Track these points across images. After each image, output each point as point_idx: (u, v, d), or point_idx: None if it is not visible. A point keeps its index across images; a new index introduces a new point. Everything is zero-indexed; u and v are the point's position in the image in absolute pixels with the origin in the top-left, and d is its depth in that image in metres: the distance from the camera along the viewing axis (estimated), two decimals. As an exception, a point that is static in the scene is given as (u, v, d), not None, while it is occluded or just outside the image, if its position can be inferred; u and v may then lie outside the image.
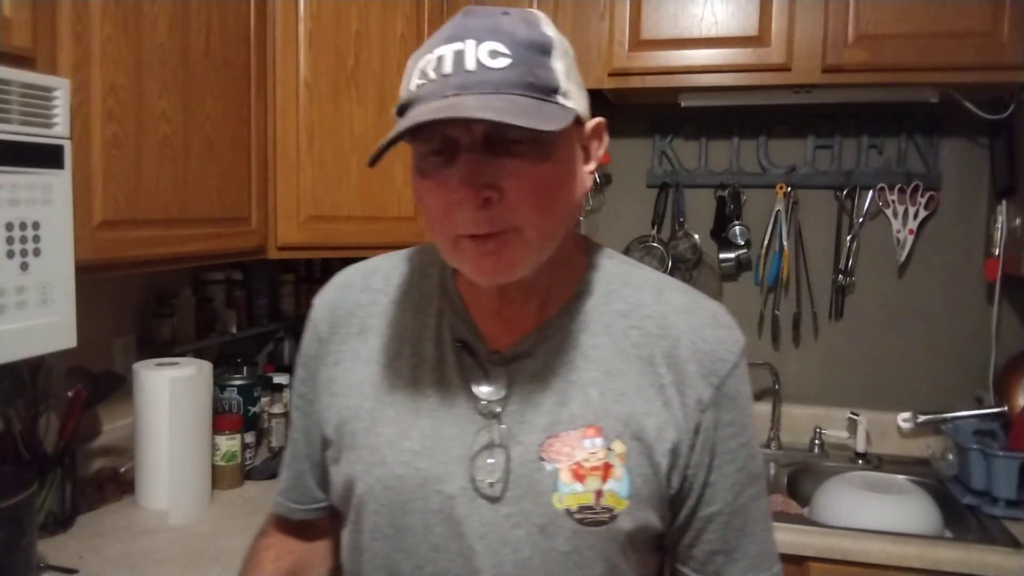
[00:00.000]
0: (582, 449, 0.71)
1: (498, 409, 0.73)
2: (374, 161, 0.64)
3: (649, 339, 0.74)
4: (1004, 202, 1.88)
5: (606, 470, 0.71)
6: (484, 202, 0.63)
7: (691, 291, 0.80)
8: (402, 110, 0.67)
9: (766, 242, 2.10)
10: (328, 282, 0.88)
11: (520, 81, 0.63)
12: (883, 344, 2.08)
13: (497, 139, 0.63)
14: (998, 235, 1.89)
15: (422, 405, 0.75)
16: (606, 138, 0.76)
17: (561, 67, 0.67)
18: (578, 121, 0.69)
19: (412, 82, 0.66)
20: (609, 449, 0.71)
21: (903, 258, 2.04)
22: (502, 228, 0.65)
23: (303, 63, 1.76)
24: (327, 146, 1.80)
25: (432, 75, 0.64)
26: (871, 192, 2.06)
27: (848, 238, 2.08)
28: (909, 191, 2.01)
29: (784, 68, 1.79)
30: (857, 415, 2.02)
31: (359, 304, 0.82)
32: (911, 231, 2.03)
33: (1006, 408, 1.83)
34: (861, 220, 2.07)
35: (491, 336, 0.76)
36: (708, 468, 0.73)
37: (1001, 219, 1.88)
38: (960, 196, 2.02)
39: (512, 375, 0.74)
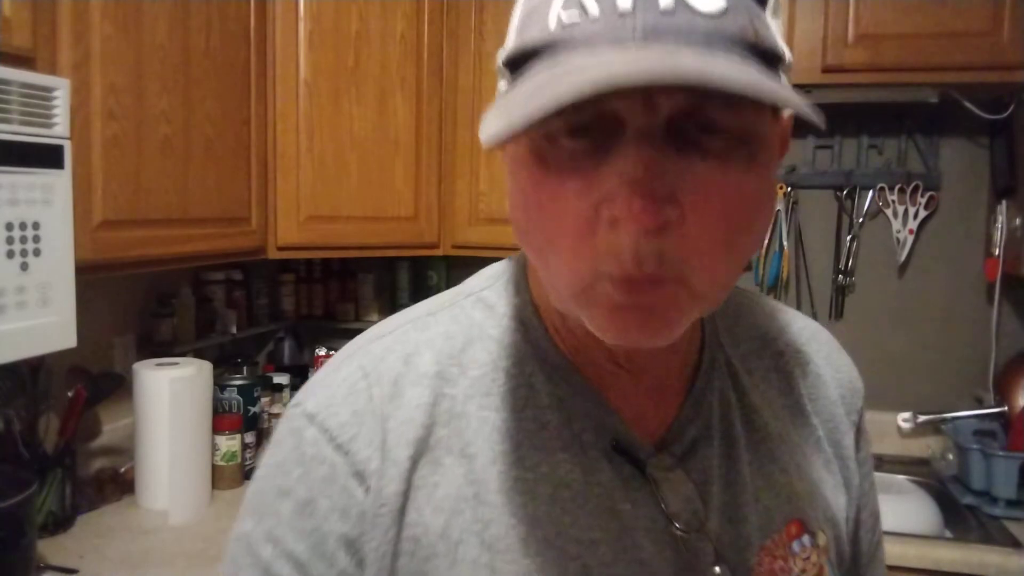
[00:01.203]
0: (794, 557, 0.54)
1: (701, 538, 0.51)
2: (497, 140, 0.39)
3: (792, 380, 0.59)
4: (1004, 202, 1.88)
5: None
6: (662, 225, 0.39)
7: (790, 308, 0.66)
8: (526, 58, 0.43)
9: (766, 242, 2.10)
10: (317, 382, 0.55)
11: (741, 36, 0.39)
12: (883, 344, 2.08)
13: (686, 127, 0.40)
14: (998, 235, 1.89)
15: (591, 560, 0.49)
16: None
17: (776, 27, 0.44)
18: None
19: (549, 17, 0.41)
20: (816, 546, 0.55)
21: (903, 258, 2.04)
22: (670, 274, 0.41)
23: (303, 63, 1.76)
24: (327, 146, 1.80)
25: (593, 9, 0.40)
26: (871, 192, 2.06)
27: (848, 238, 2.08)
28: (909, 191, 2.01)
29: (784, 67, 1.79)
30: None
31: (419, 408, 0.51)
32: (911, 231, 2.03)
33: (1006, 408, 1.83)
34: (861, 220, 2.07)
35: (636, 421, 0.52)
36: (856, 522, 0.62)
37: (1001, 219, 1.88)
38: (960, 196, 2.02)
39: (693, 475, 0.52)
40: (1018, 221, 1.81)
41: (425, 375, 0.53)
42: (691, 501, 0.51)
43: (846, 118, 2.06)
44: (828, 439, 0.59)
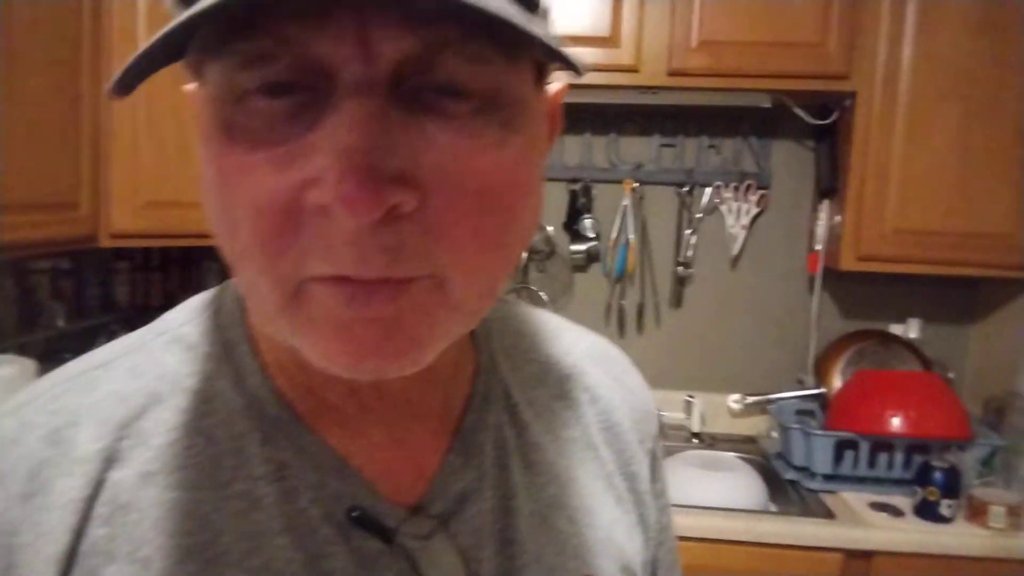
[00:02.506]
0: None
1: None
2: (124, 86, 0.31)
3: (579, 408, 0.51)
4: (826, 202, 2.06)
5: None
6: (388, 213, 0.30)
7: (576, 325, 0.58)
8: None
9: (614, 235, 2.19)
10: None
11: None
12: (717, 331, 2.23)
13: (421, 87, 0.32)
14: (820, 232, 2.06)
15: None
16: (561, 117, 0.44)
17: None
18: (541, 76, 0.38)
19: None
20: None
21: (736, 251, 2.19)
22: (412, 273, 0.32)
23: (141, 36, 1.64)
24: (168, 127, 1.69)
25: None
26: (709, 189, 2.19)
27: (688, 232, 2.20)
28: (743, 189, 2.16)
29: (633, 69, 1.87)
30: (693, 397, 2.16)
31: (67, 508, 0.38)
32: (744, 226, 2.17)
33: (824, 390, 2.02)
34: (700, 215, 2.20)
35: (386, 479, 0.42)
36: (655, 562, 0.56)
37: (823, 217, 2.06)
38: (788, 195, 2.18)
39: (459, 540, 0.42)
40: (837, 219, 1.99)
41: (82, 458, 0.38)
42: (456, 573, 0.41)
43: (689, 119, 2.17)
44: (621, 472, 0.51)
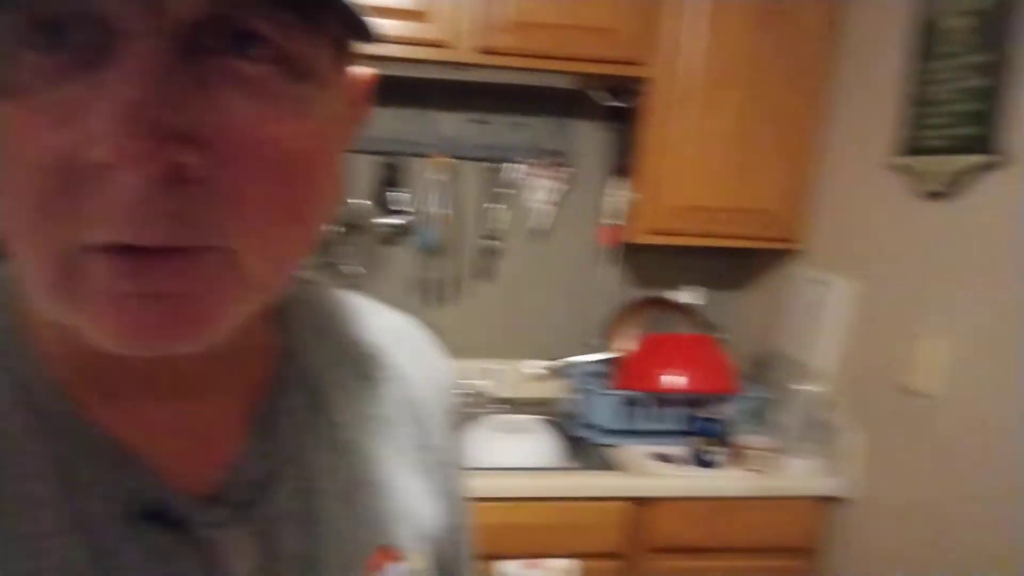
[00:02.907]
0: None
1: None
2: None
3: (379, 386, 0.53)
4: (619, 178, 2.21)
5: None
6: (174, 172, 0.29)
7: (382, 304, 0.59)
8: None
9: (426, 209, 2.23)
10: None
11: None
12: (523, 302, 2.34)
13: (214, 45, 0.31)
14: (614, 207, 2.22)
15: None
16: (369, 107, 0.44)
17: None
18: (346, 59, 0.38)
19: None
20: (412, 571, 0.49)
21: (541, 225, 2.31)
22: (198, 242, 0.31)
23: None
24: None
25: None
26: (518, 166, 2.28)
27: (498, 206, 2.29)
28: (549, 166, 2.27)
29: (445, 45, 1.91)
30: (498, 364, 2.26)
31: None
32: (548, 202, 2.29)
33: (616, 353, 2.19)
34: (508, 191, 2.29)
35: (178, 468, 0.40)
36: (458, 528, 0.58)
37: (617, 193, 2.21)
38: (588, 173, 2.32)
39: (259, 526, 0.42)
40: (630, 196, 2.14)
41: None
42: (256, 560, 0.41)
43: (499, 96, 2.25)
44: (421, 445, 0.53)
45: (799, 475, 1.85)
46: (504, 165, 2.28)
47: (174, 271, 0.30)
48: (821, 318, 1.96)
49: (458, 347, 2.27)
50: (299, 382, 0.47)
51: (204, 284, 0.31)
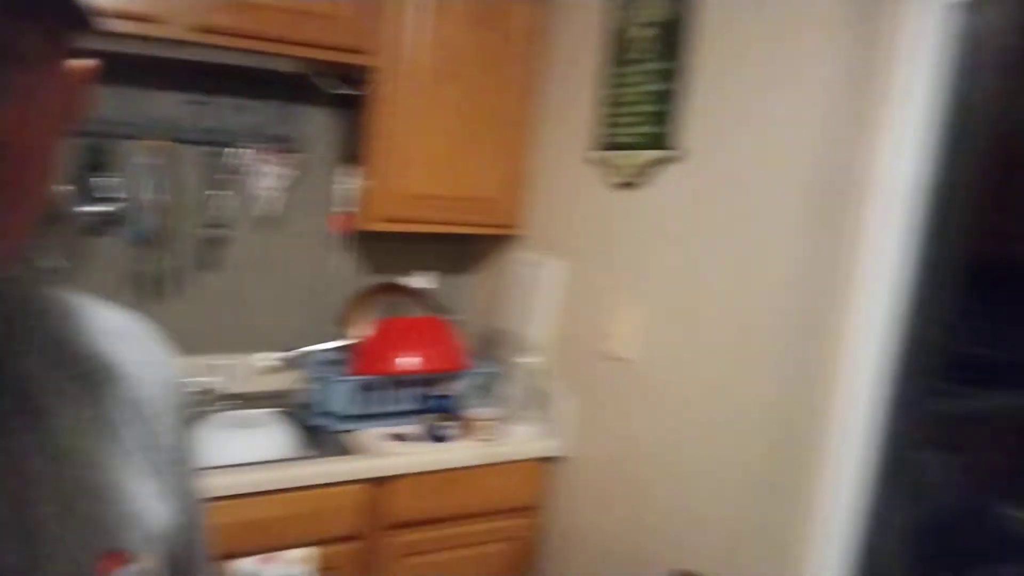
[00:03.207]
0: None
1: None
2: None
3: (100, 388, 0.51)
4: (351, 167, 2.23)
5: None
6: None
7: (100, 301, 0.57)
8: None
9: (139, 196, 2.08)
10: None
11: None
12: (251, 292, 2.28)
13: None
14: (345, 194, 2.24)
15: None
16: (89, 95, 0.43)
17: None
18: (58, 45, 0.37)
19: None
20: (143, 572, 0.49)
21: (269, 213, 2.26)
22: None
23: None
24: None
25: None
26: (244, 151, 2.20)
27: (223, 193, 2.20)
28: (277, 152, 2.22)
29: (156, 20, 1.79)
30: (230, 358, 2.18)
31: None
32: (276, 189, 2.25)
33: (351, 340, 2.21)
34: (233, 176, 2.21)
35: None
36: (191, 527, 0.58)
37: (348, 181, 2.23)
38: (317, 160, 2.31)
39: None
40: (360, 183, 2.17)
41: None
42: None
43: (221, 78, 2.15)
44: (149, 446, 0.53)
45: (522, 440, 2.02)
46: (227, 150, 2.19)
47: None
48: (537, 296, 2.14)
49: (183, 343, 2.16)
50: (6, 387, 0.45)
51: None
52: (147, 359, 0.56)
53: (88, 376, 0.51)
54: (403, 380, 2.03)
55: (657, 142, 1.71)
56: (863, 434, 1.50)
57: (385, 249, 2.41)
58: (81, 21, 0.33)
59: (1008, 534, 1.71)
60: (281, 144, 2.23)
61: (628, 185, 1.81)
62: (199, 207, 2.19)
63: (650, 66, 1.73)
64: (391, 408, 2.03)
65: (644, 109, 1.75)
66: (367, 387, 2.00)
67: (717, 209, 1.58)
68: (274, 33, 1.92)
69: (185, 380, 0.60)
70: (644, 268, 1.79)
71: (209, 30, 1.86)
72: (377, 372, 2.00)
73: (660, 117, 1.70)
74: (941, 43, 1.46)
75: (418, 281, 2.37)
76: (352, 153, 2.22)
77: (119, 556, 0.47)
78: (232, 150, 2.20)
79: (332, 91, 2.17)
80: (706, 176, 1.61)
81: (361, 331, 2.20)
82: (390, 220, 2.12)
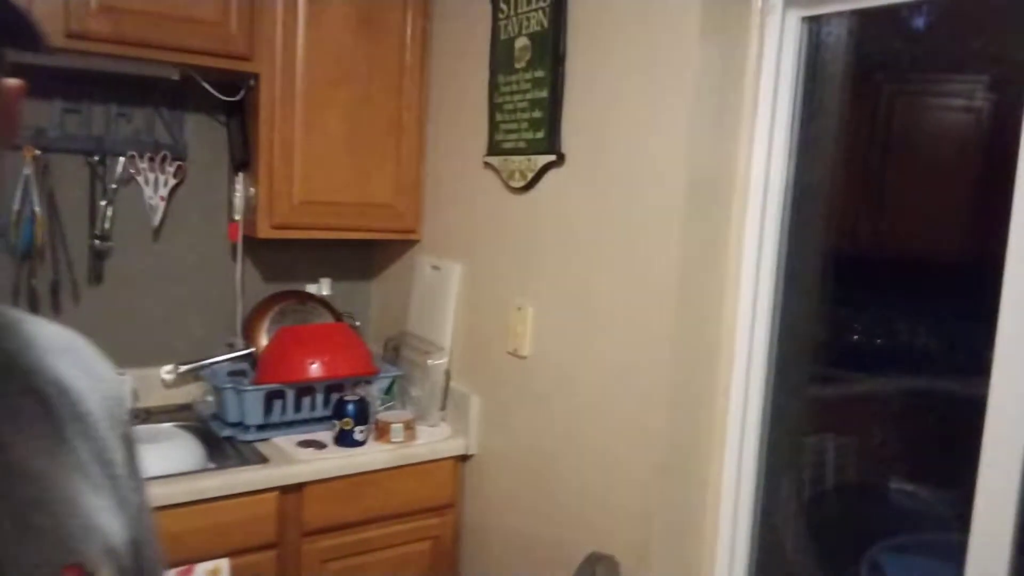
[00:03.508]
0: None
1: None
2: None
3: (47, 402, 0.52)
4: (241, 174, 2.19)
5: None
6: None
7: (36, 317, 0.58)
8: None
9: (16, 208, 1.97)
10: None
11: None
12: (144, 304, 2.20)
13: None
14: (237, 202, 2.20)
15: None
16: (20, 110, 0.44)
17: None
18: None
19: None
20: None
21: (157, 223, 2.19)
22: None
23: None
24: None
25: None
26: (122, 159, 2.12)
27: (103, 203, 2.11)
28: (159, 160, 2.15)
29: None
30: (124, 373, 2.10)
31: None
32: (162, 198, 2.18)
33: (254, 349, 2.18)
34: (115, 186, 2.13)
35: None
36: (139, 542, 0.57)
37: (239, 188, 2.19)
38: (205, 167, 2.25)
39: None
40: (252, 191, 2.14)
41: None
42: None
43: (95, 85, 2.07)
44: (97, 460, 0.53)
45: (433, 441, 2.06)
46: (108, 159, 2.11)
47: None
48: (439, 299, 2.18)
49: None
50: None
51: None
52: (92, 374, 0.56)
53: (38, 391, 0.51)
54: (310, 387, 2.03)
55: (541, 147, 1.78)
56: (755, 418, 1.63)
57: (282, 257, 2.38)
58: (34, 43, 0.34)
59: (898, 507, 1.90)
60: (164, 151, 2.16)
61: (518, 189, 1.88)
62: (83, 218, 2.10)
63: (532, 74, 1.80)
64: (301, 416, 2.03)
65: (529, 116, 1.82)
66: (274, 395, 1.98)
67: (600, 209, 1.66)
68: (153, 39, 1.87)
69: (128, 395, 0.60)
70: (537, 268, 1.86)
71: (84, 36, 1.79)
72: (283, 380, 1.99)
73: (543, 123, 1.77)
74: (797, 52, 1.61)
75: (319, 288, 2.35)
76: (240, 160, 2.18)
77: (78, 570, 0.48)
78: (112, 159, 2.11)
79: (218, 97, 2.12)
80: (587, 178, 1.70)
81: (264, 340, 2.18)
82: (284, 227, 2.11)
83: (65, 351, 0.56)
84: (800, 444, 1.81)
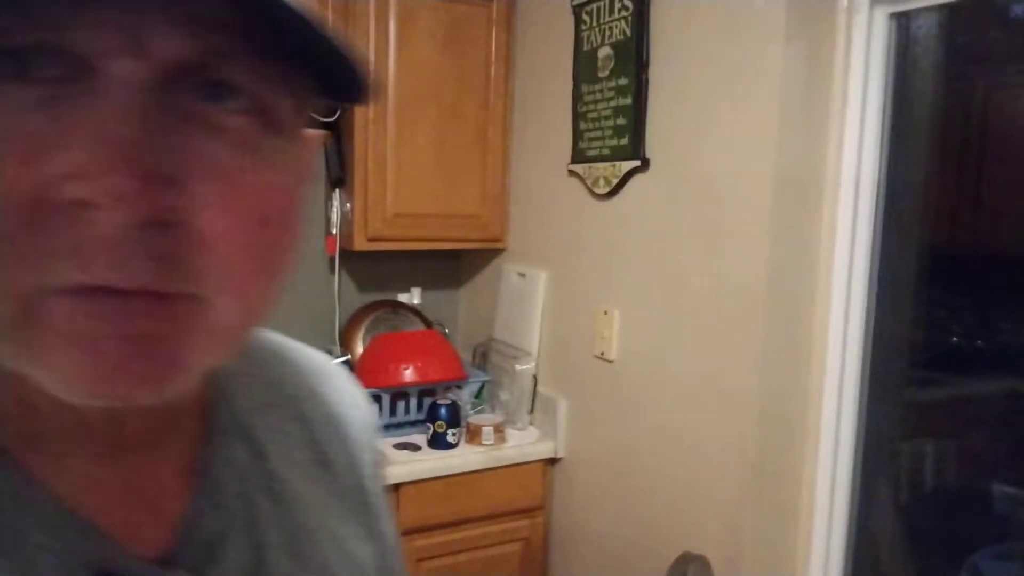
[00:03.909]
0: None
1: None
2: None
3: (313, 429, 0.50)
4: (337, 190, 2.31)
5: None
6: (157, 214, 0.28)
7: (296, 342, 0.55)
8: None
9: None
10: None
11: None
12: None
13: (188, 89, 0.30)
14: (335, 217, 2.31)
15: None
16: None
17: None
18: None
19: None
20: None
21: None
22: (177, 288, 0.30)
23: None
24: None
25: None
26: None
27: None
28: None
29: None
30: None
31: None
32: (267, 215, 2.31)
33: (350, 356, 2.29)
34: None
35: (127, 528, 0.37)
36: (388, 569, 0.54)
37: (336, 204, 2.31)
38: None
39: None
40: (348, 206, 2.25)
41: None
42: None
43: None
44: (355, 487, 0.51)
45: (522, 444, 2.11)
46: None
47: (145, 313, 0.29)
48: (525, 305, 2.24)
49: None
50: (235, 430, 0.44)
51: (174, 329, 0.30)
52: (348, 400, 0.54)
53: (301, 417, 0.50)
54: (404, 392, 2.11)
55: (625, 152, 1.81)
56: (850, 421, 1.61)
57: (376, 268, 2.48)
58: (361, 97, 0.34)
59: (1001, 513, 1.83)
60: (268, 172, 2.28)
61: (603, 195, 1.91)
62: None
63: (616, 82, 1.84)
64: (396, 420, 2.11)
65: (613, 123, 1.85)
66: (370, 400, 2.07)
67: (686, 212, 1.68)
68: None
69: (375, 423, 0.58)
70: (622, 273, 1.88)
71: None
72: (379, 385, 2.08)
73: (627, 129, 1.81)
74: (885, 49, 1.59)
75: (410, 297, 2.44)
76: (336, 177, 2.29)
77: None
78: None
79: (314, 118, 2.24)
80: (673, 182, 1.71)
81: (360, 347, 2.28)
82: (378, 239, 2.20)
83: (327, 376, 0.54)
84: (897, 448, 1.77)
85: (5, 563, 0.33)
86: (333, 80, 0.34)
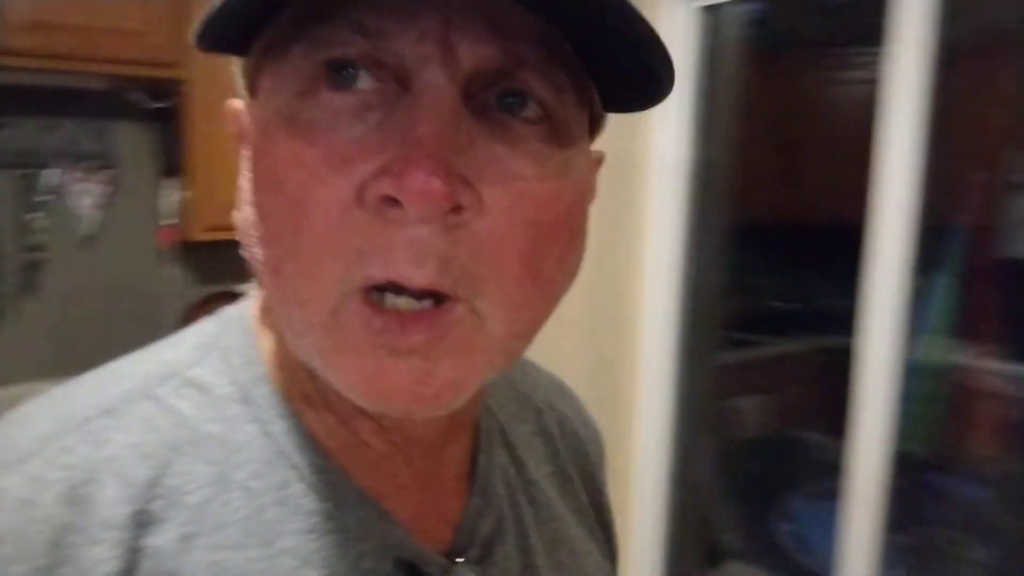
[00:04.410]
0: None
1: None
2: (213, 40, 0.34)
3: (554, 443, 0.51)
4: (173, 179, 2.23)
5: None
6: (451, 212, 0.30)
7: (529, 359, 0.54)
8: None
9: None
10: None
11: None
12: (80, 313, 2.22)
13: (489, 102, 0.32)
14: (169, 207, 2.23)
15: None
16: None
17: None
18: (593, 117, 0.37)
19: None
20: None
21: (91, 231, 2.21)
22: (455, 291, 0.31)
23: None
24: None
25: None
26: (54, 170, 2.15)
27: (35, 215, 2.13)
28: (92, 169, 2.18)
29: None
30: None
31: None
32: (95, 207, 2.20)
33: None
34: (47, 198, 2.15)
35: (417, 524, 0.40)
36: None
37: (172, 194, 2.23)
38: (137, 174, 2.28)
39: None
40: (183, 195, 2.18)
41: (110, 523, 0.33)
42: None
43: (23, 97, 2.09)
44: (592, 502, 0.52)
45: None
46: (40, 171, 2.13)
47: (424, 328, 0.31)
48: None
49: (13, 372, 2.08)
50: (498, 439, 0.47)
51: (452, 346, 0.32)
52: (585, 419, 0.55)
53: (545, 431, 0.51)
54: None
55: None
56: (667, 381, 1.71)
57: (217, 258, 2.41)
58: (654, 100, 0.35)
59: (809, 458, 1.99)
60: (97, 161, 2.19)
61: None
62: (13, 231, 2.12)
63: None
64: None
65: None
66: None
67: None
68: (79, 52, 1.90)
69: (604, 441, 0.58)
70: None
71: (7, 52, 1.82)
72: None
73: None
74: (695, 40, 1.70)
75: (251, 288, 2.39)
76: (172, 165, 2.22)
77: None
78: (45, 171, 2.14)
79: (145, 106, 2.17)
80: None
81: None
82: (214, 229, 2.14)
83: (563, 394, 0.55)
84: (715, 405, 1.89)
85: (321, 546, 0.36)
86: (617, 88, 0.34)
